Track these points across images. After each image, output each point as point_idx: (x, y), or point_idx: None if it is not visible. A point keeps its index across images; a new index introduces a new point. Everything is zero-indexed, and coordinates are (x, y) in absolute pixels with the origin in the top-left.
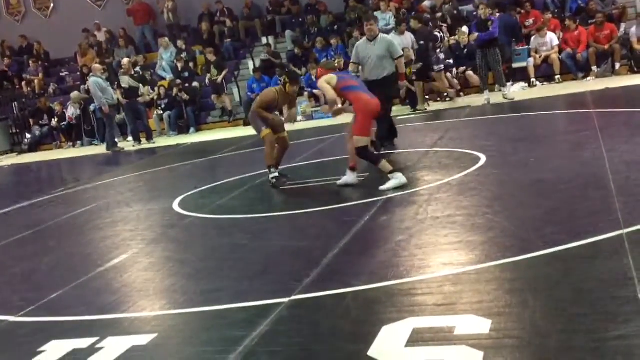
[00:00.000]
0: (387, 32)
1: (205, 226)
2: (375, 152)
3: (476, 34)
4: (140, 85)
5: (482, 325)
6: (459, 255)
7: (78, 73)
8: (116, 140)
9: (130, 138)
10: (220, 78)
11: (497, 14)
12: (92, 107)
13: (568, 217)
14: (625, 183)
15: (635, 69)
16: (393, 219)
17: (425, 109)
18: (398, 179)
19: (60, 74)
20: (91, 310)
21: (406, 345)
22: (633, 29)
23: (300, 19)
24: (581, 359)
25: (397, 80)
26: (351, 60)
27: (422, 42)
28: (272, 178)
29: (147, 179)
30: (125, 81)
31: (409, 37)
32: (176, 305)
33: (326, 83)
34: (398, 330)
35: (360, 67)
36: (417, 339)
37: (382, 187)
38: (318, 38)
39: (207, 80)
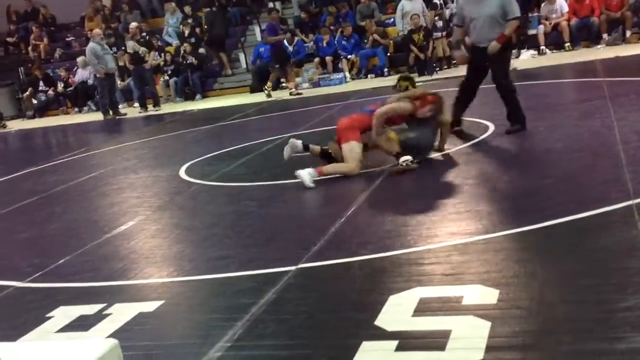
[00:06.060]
0: None
1: (212, 193)
2: None
3: None
4: (145, 49)
5: (489, 295)
6: (467, 225)
7: (84, 38)
8: (118, 107)
9: (136, 104)
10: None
11: None
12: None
13: (577, 187)
14: (635, 153)
15: None
16: (400, 188)
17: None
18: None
19: (66, 39)
20: (98, 276)
21: (413, 315)
22: None
23: None
24: (589, 329)
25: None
26: (455, 22)
27: None
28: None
29: (153, 146)
30: (131, 46)
31: (419, 2)
32: (183, 272)
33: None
34: (405, 299)
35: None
36: (424, 308)
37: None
38: (329, 7)
39: None
